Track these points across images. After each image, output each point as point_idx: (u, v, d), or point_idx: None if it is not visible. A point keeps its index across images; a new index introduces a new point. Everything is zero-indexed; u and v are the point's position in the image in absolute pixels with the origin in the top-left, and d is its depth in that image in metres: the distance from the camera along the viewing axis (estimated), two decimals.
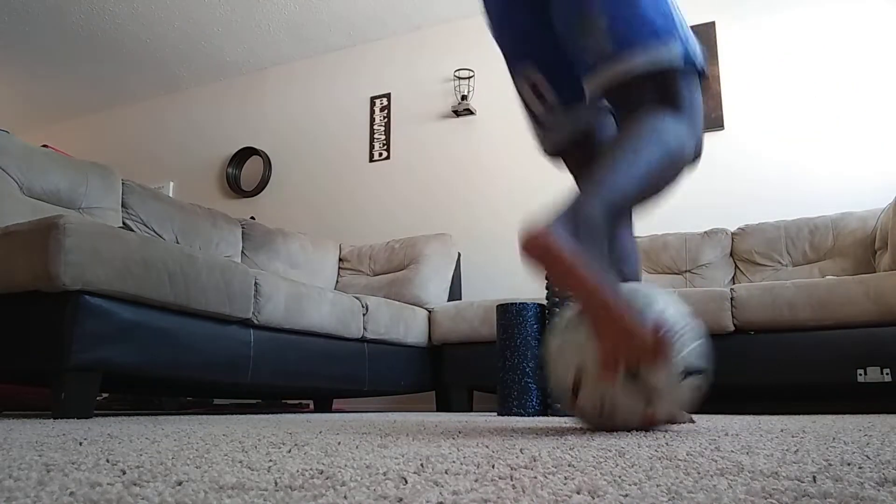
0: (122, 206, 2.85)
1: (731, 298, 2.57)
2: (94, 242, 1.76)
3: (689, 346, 1.05)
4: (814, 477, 0.48)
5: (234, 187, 4.97)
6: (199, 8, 4.38)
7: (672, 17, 1.19)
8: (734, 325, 2.55)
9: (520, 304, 2.44)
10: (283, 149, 4.92)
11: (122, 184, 2.88)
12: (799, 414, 2.17)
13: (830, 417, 1.82)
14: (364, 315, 2.90)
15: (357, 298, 2.92)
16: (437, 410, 3.36)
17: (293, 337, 2.50)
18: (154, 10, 4.39)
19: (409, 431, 1.10)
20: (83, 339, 1.72)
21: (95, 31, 4.61)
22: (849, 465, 0.56)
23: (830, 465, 0.56)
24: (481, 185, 4.14)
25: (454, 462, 0.59)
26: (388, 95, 4.61)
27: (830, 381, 2.37)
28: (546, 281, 2.46)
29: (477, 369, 3.06)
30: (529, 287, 3.56)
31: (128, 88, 5.43)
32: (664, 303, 1.04)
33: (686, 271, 3.29)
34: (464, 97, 4.23)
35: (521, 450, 0.72)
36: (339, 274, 3.95)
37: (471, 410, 3.23)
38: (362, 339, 2.87)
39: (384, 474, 0.50)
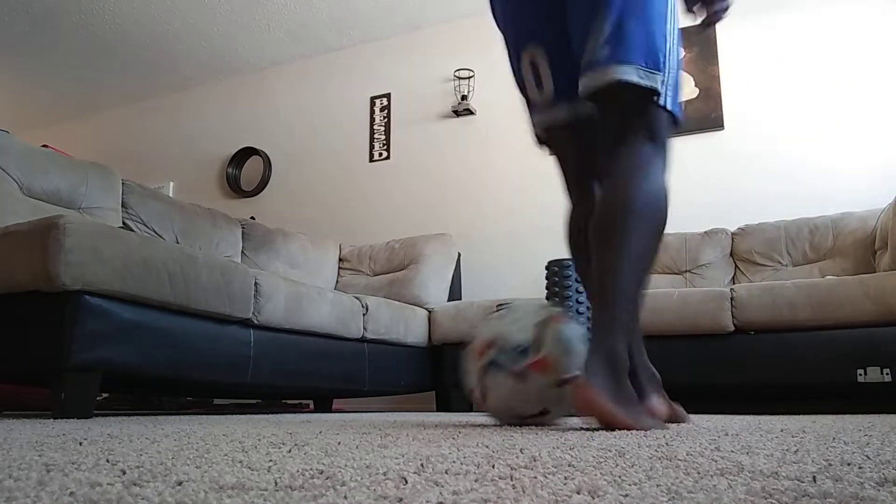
0: (122, 206, 2.85)
1: (731, 298, 2.57)
2: (94, 242, 1.76)
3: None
4: (814, 477, 0.48)
5: (234, 187, 4.97)
6: (199, 8, 4.38)
7: (674, 62, 1.26)
8: (734, 325, 2.55)
9: None
10: (283, 149, 4.91)
11: (122, 184, 2.88)
12: (799, 414, 2.17)
13: (830, 417, 1.82)
14: (364, 315, 2.90)
15: (357, 298, 2.92)
16: (437, 410, 3.36)
17: (293, 337, 2.50)
18: (154, 11, 4.39)
19: (409, 431, 1.10)
20: (83, 339, 1.72)
21: (95, 31, 4.61)
22: (849, 465, 0.56)
23: (830, 465, 0.56)
24: (481, 185, 4.14)
25: (454, 462, 0.59)
26: (388, 95, 4.61)
27: (830, 381, 2.37)
28: (546, 281, 2.46)
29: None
30: (529, 287, 3.56)
31: (128, 88, 5.43)
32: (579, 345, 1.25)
33: (686, 271, 3.29)
34: (464, 97, 4.23)
35: (521, 450, 0.72)
36: (339, 274, 3.95)
37: (471, 410, 3.23)
38: (362, 339, 2.87)
39: (384, 474, 0.50)
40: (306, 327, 2.54)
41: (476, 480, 0.48)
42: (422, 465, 0.57)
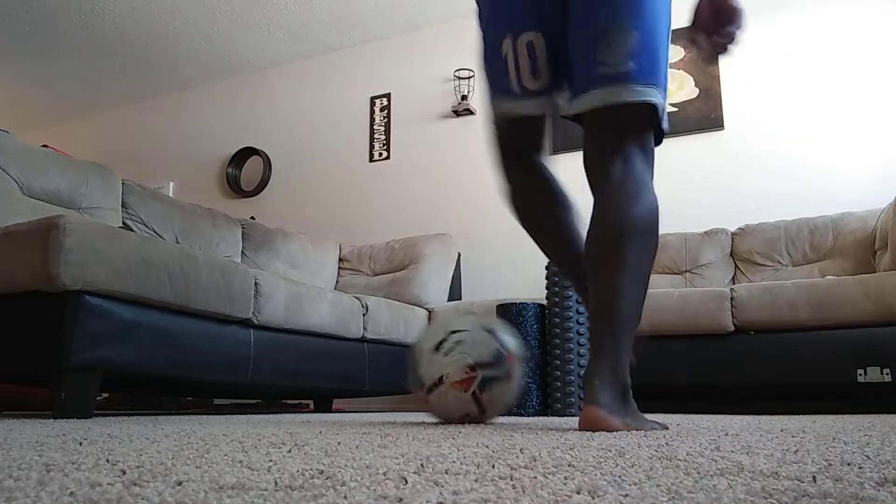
0: (122, 206, 2.85)
1: (731, 298, 2.57)
2: (94, 242, 1.76)
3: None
4: (814, 477, 0.48)
5: (234, 187, 4.97)
6: (199, 8, 4.38)
7: (666, 83, 1.28)
8: (734, 325, 2.55)
9: (520, 304, 2.44)
10: (283, 149, 4.92)
11: (122, 184, 2.88)
12: (799, 414, 2.17)
13: (830, 417, 1.82)
14: (364, 315, 2.90)
15: (357, 298, 2.92)
16: None
17: (293, 337, 2.50)
18: (154, 11, 4.40)
19: (409, 431, 1.10)
20: (83, 339, 1.72)
21: (95, 31, 4.61)
22: (849, 465, 0.56)
23: (830, 465, 0.56)
24: (481, 185, 4.14)
25: (454, 462, 0.59)
26: (388, 95, 4.61)
27: (830, 381, 2.37)
28: (546, 281, 2.47)
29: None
30: (529, 287, 3.56)
31: (128, 88, 5.43)
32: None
33: (686, 271, 3.29)
34: (464, 97, 4.23)
35: (521, 450, 0.72)
36: (339, 274, 3.95)
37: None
38: (362, 339, 2.87)
39: (384, 474, 0.50)
40: (306, 327, 2.54)
41: (476, 480, 0.48)
42: (422, 465, 0.57)
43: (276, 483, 0.46)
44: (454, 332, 1.43)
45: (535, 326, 2.40)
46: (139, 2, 4.30)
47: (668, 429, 1.17)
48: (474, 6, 1.47)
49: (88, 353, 1.73)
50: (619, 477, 0.49)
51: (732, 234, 3.30)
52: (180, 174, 5.29)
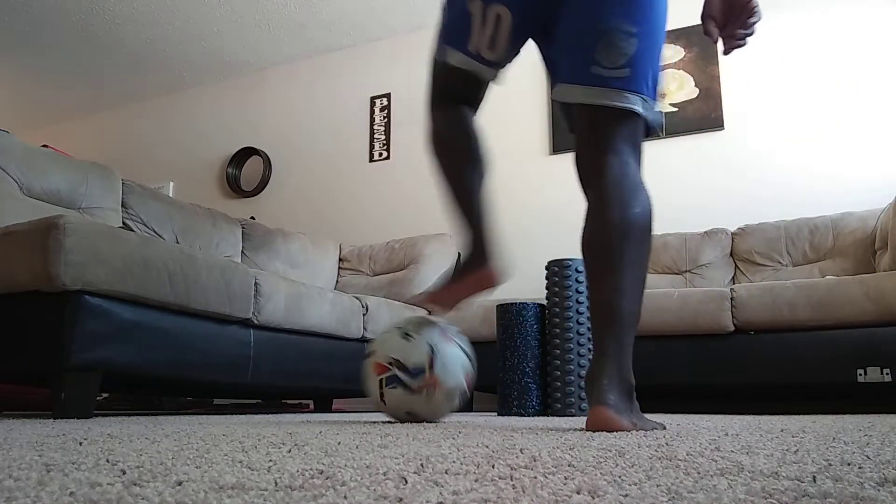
0: (122, 206, 2.85)
1: (731, 298, 2.57)
2: (94, 242, 1.76)
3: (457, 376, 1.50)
4: (814, 477, 0.48)
5: (234, 187, 4.97)
6: (199, 8, 4.38)
7: (655, 86, 1.31)
8: (734, 325, 2.55)
9: (520, 304, 2.44)
10: (283, 149, 4.92)
11: (122, 184, 2.88)
12: (799, 414, 2.17)
13: (830, 417, 1.82)
14: (364, 315, 2.90)
15: (357, 298, 2.92)
16: None
17: (293, 337, 2.50)
18: (154, 10, 4.40)
19: (409, 431, 1.10)
20: (83, 339, 1.72)
21: (95, 31, 4.61)
22: (849, 465, 0.56)
23: (830, 465, 0.56)
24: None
25: (454, 462, 0.59)
26: (388, 95, 4.61)
27: (830, 381, 2.37)
28: (546, 281, 2.46)
29: (477, 369, 3.06)
30: (529, 287, 3.56)
31: (128, 88, 5.43)
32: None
33: (686, 271, 3.29)
34: None
35: (521, 450, 0.72)
36: (339, 274, 3.95)
37: (471, 410, 3.23)
38: (362, 339, 2.87)
39: (384, 474, 0.50)
40: (306, 327, 2.54)
41: (476, 480, 0.48)
42: (422, 465, 0.57)
43: (276, 483, 0.46)
44: (412, 332, 1.53)
45: (535, 326, 2.40)
46: (139, 2, 4.30)
47: (665, 428, 1.17)
48: None
49: (88, 353, 1.74)
50: (619, 477, 0.49)
51: (732, 234, 3.30)
52: (180, 174, 5.29)
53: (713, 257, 3.26)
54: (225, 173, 5.01)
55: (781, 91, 3.54)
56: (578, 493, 0.42)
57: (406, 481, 0.47)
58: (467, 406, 3.21)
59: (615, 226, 1.20)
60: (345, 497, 0.40)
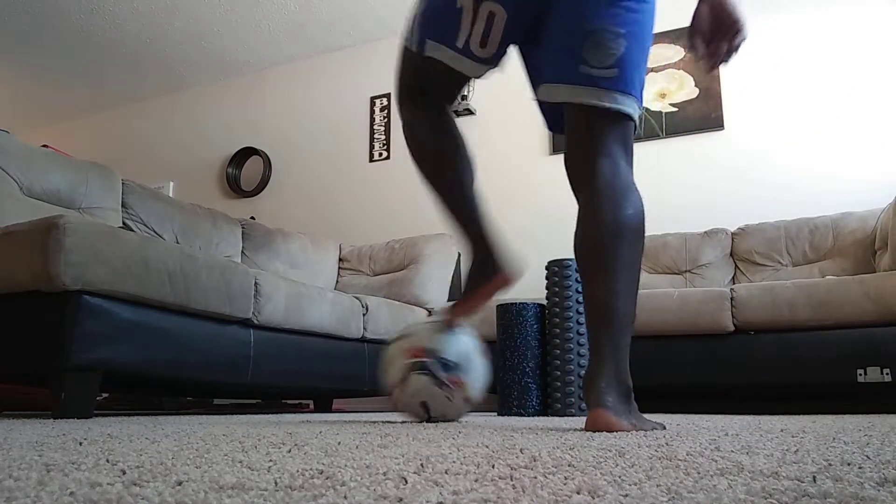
0: (122, 206, 2.85)
1: (731, 298, 2.57)
2: (94, 242, 1.76)
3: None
4: (814, 477, 0.48)
5: (234, 187, 4.97)
6: (199, 8, 4.38)
7: (642, 88, 1.30)
8: (734, 325, 2.55)
9: (520, 304, 2.44)
10: (283, 149, 4.91)
11: (122, 184, 2.88)
12: (799, 414, 2.17)
13: (830, 417, 1.82)
14: (364, 315, 2.90)
15: (357, 298, 2.92)
16: None
17: (293, 337, 2.50)
18: (154, 10, 4.40)
19: (409, 431, 1.10)
20: (83, 339, 1.72)
21: (95, 31, 4.61)
22: (849, 465, 0.56)
23: (830, 465, 0.56)
24: (481, 186, 4.13)
25: (454, 462, 0.59)
26: (388, 95, 4.61)
27: (830, 381, 2.37)
28: (546, 281, 2.47)
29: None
30: (529, 287, 3.56)
31: (128, 88, 5.43)
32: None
33: (686, 271, 3.29)
34: (464, 97, 4.22)
35: (521, 450, 0.72)
36: (339, 274, 3.95)
37: (470, 410, 3.22)
38: (362, 339, 2.87)
39: (384, 474, 0.50)
40: (306, 327, 2.54)
41: (476, 480, 0.48)
42: (422, 465, 0.57)
43: (276, 483, 0.46)
44: (456, 332, 1.49)
45: (535, 326, 2.40)
46: (140, 2, 4.30)
47: (665, 428, 1.17)
48: None
49: (88, 353, 1.73)
50: (619, 477, 0.49)
51: (732, 234, 3.30)
52: (180, 174, 5.29)
53: (713, 257, 3.26)
54: (225, 173, 5.01)
55: (781, 91, 3.54)
56: (578, 493, 0.42)
57: (406, 481, 0.47)
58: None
59: (607, 227, 1.20)
60: (345, 497, 0.40)
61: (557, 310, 2.36)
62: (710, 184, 3.56)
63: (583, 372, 2.26)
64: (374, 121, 4.62)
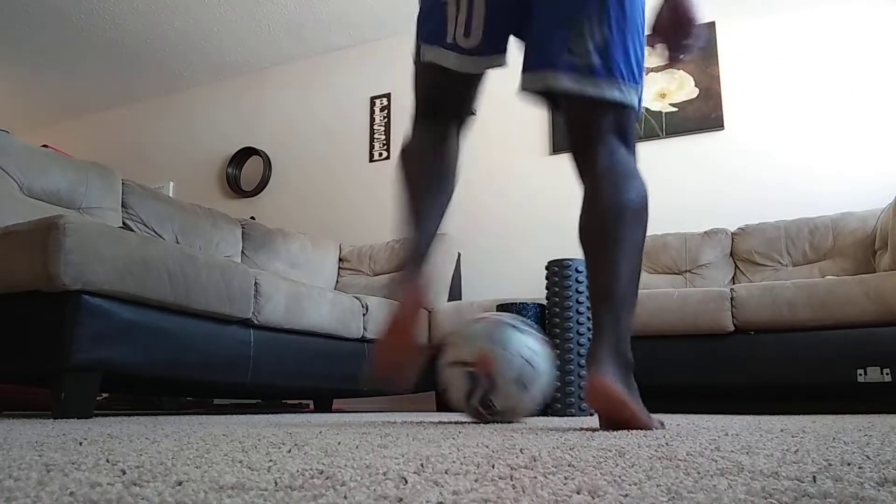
0: (122, 206, 2.85)
1: (731, 298, 2.57)
2: (94, 242, 1.76)
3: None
4: (814, 477, 0.48)
5: (234, 187, 4.97)
6: (199, 8, 4.38)
7: (643, 68, 1.29)
8: (734, 325, 2.55)
9: (520, 304, 2.44)
10: (283, 149, 4.92)
11: (122, 184, 2.88)
12: (799, 414, 2.17)
13: (830, 417, 1.82)
14: (364, 315, 2.90)
15: (357, 298, 2.92)
16: (437, 410, 3.36)
17: (293, 337, 2.50)
18: (154, 10, 4.40)
19: (409, 431, 1.10)
20: (83, 339, 1.72)
21: (95, 30, 4.61)
22: (849, 465, 0.56)
23: (830, 465, 0.56)
24: (481, 185, 4.14)
25: (454, 462, 0.59)
26: (388, 95, 4.61)
27: (830, 381, 2.37)
28: (546, 281, 2.46)
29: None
30: (529, 287, 3.56)
31: (128, 88, 5.43)
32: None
33: (686, 271, 3.29)
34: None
35: (521, 450, 0.72)
36: (339, 274, 3.95)
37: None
38: (362, 339, 2.87)
39: (384, 474, 0.50)
40: (306, 327, 2.54)
41: (476, 480, 0.48)
42: (422, 465, 0.57)
43: (276, 483, 0.46)
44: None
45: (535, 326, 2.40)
46: (139, 2, 4.30)
47: (664, 426, 1.17)
48: None
49: (88, 353, 1.73)
50: (619, 477, 0.49)
51: (732, 234, 3.30)
52: (180, 174, 5.29)
53: (713, 257, 3.26)
54: (225, 173, 5.01)
55: (781, 91, 3.54)
56: (578, 493, 0.42)
57: (406, 481, 0.47)
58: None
59: (607, 211, 1.21)
60: (345, 497, 0.40)
61: (557, 310, 2.36)
62: (710, 184, 3.56)
63: (583, 372, 2.26)
64: (374, 121, 4.62)
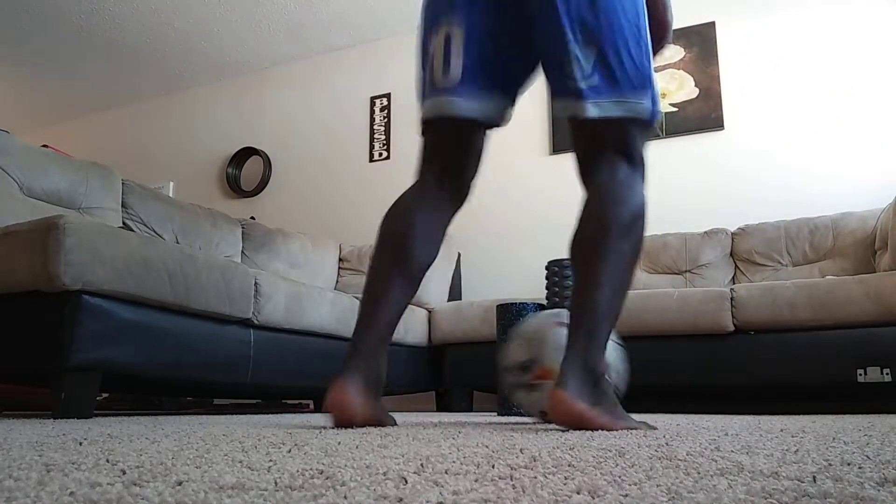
0: (122, 206, 2.85)
1: (731, 298, 2.57)
2: (94, 242, 1.76)
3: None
4: (814, 477, 0.48)
5: (234, 187, 4.97)
6: (199, 8, 4.38)
7: (651, 73, 1.25)
8: (734, 325, 2.55)
9: (520, 304, 2.44)
10: (283, 149, 4.92)
11: (122, 184, 2.88)
12: (799, 414, 2.17)
13: (830, 417, 1.82)
14: None
15: (357, 298, 2.92)
16: (437, 410, 3.36)
17: (293, 337, 2.50)
18: (154, 10, 4.40)
19: (409, 431, 1.10)
20: (83, 339, 1.72)
21: (95, 31, 4.61)
22: (849, 465, 0.56)
23: (830, 465, 0.56)
24: (481, 186, 4.11)
25: (454, 462, 0.59)
26: (388, 95, 4.61)
27: (830, 381, 2.37)
28: (546, 281, 2.46)
29: (477, 369, 3.06)
30: (529, 287, 3.56)
31: (128, 88, 5.43)
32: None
33: (686, 271, 3.29)
34: None
35: (521, 450, 0.72)
36: (339, 274, 3.95)
37: (471, 410, 3.23)
38: None
39: (384, 474, 0.50)
40: (306, 327, 2.54)
41: (476, 480, 0.48)
42: (422, 465, 0.57)
43: (276, 483, 0.46)
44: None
45: None
46: (139, 2, 4.30)
47: (656, 429, 1.16)
48: None
49: (88, 353, 1.73)
50: (619, 477, 0.49)
51: (732, 234, 3.30)
52: (180, 174, 5.29)
53: (713, 257, 3.26)
54: (225, 173, 5.01)
55: (781, 91, 3.54)
56: (578, 493, 0.42)
57: (406, 481, 0.47)
58: (468, 406, 3.21)
59: (595, 228, 1.19)
60: (345, 497, 0.40)
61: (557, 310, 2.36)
62: (710, 184, 3.56)
63: None
64: (374, 121, 4.62)
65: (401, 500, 0.40)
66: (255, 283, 2.32)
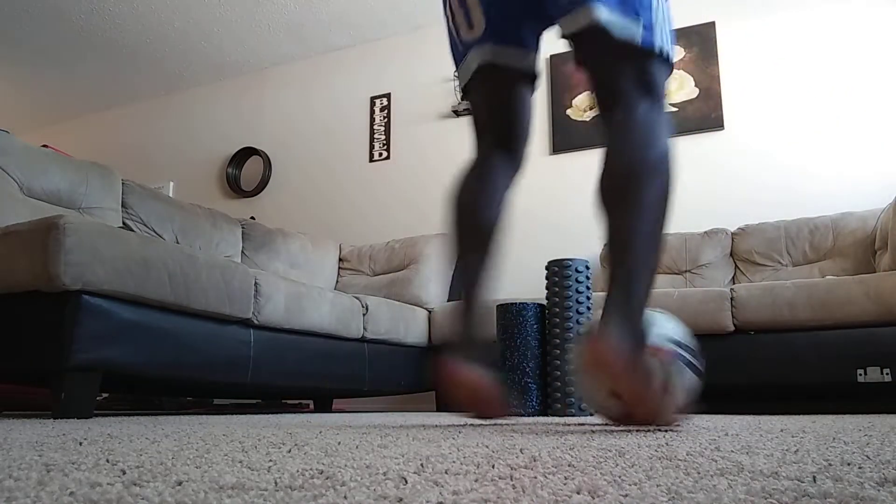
0: (122, 206, 2.85)
1: (731, 298, 2.57)
2: (94, 242, 1.76)
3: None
4: (814, 477, 0.48)
5: (234, 187, 4.97)
6: (199, 8, 4.38)
7: (651, 11, 1.18)
8: (734, 325, 2.55)
9: (520, 304, 2.44)
10: (283, 149, 4.92)
11: (122, 184, 2.88)
12: (799, 414, 2.17)
13: (830, 417, 1.82)
14: (364, 315, 2.90)
15: (357, 298, 2.92)
16: (437, 410, 3.36)
17: (293, 337, 2.50)
18: (154, 10, 4.40)
19: (409, 431, 1.10)
20: (83, 339, 1.72)
21: (95, 31, 4.61)
22: (849, 465, 0.56)
23: (830, 465, 0.56)
24: None
25: (454, 462, 0.59)
26: (388, 95, 4.61)
27: (830, 381, 2.37)
28: (546, 281, 2.46)
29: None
30: (529, 287, 3.56)
31: (128, 88, 5.43)
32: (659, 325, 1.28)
33: (686, 271, 3.29)
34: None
35: (521, 450, 0.72)
36: (339, 274, 3.95)
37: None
38: (362, 339, 2.87)
39: (384, 474, 0.50)
40: (306, 327, 2.54)
41: (476, 480, 0.48)
42: (422, 465, 0.57)
43: (276, 483, 0.46)
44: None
45: (535, 326, 2.40)
46: (139, 2, 4.30)
47: (688, 421, 1.13)
48: None
49: (88, 353, 1.73)
50: (619, 477, 0.49)
51: (732, 234, 3.30)
52: (180, 174, 5.29)
53: (713, 257, 3.26)
54: (225, 173, 5.02)
55: (781, 91, 3.54)
56: (578, 493, 0.42)
57: (406, 481, 0.47)
58: None
59: (622, 173, 1.12)
60: (345, 497, 0.40)
61: (557, 310, 2.36)
62: (710, 184, 3.56)
63: None
64: (374, 121, 4.62)
65: (401, 500, 0.40)
66: (255, 283, 2.32)
